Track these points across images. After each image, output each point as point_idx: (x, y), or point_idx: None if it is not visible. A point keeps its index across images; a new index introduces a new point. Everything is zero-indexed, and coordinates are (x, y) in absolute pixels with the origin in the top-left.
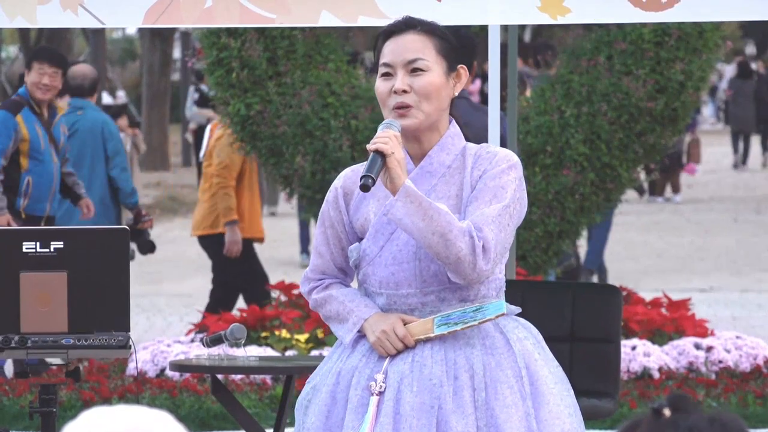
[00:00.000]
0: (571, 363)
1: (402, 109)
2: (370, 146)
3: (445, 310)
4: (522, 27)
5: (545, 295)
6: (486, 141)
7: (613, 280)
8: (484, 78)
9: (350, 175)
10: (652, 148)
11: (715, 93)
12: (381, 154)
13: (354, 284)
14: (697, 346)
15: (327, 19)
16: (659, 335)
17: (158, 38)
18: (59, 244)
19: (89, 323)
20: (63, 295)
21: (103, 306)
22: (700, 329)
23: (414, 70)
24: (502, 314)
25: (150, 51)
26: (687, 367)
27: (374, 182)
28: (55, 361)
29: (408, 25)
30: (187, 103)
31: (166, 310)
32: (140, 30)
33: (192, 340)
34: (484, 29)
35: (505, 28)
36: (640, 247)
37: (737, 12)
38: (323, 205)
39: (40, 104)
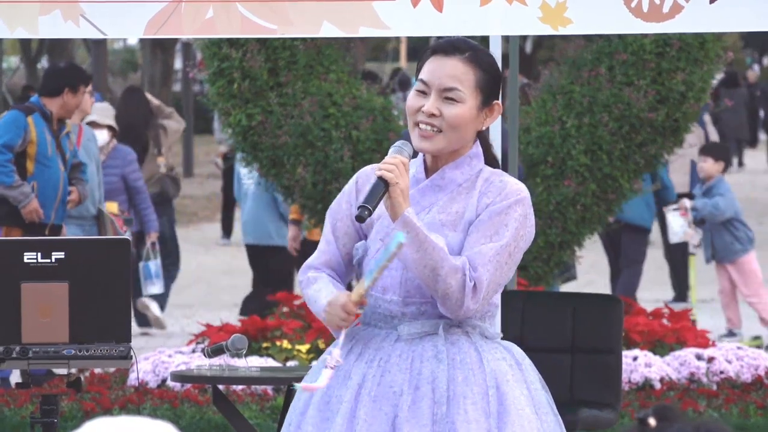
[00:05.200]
0: (573, 374)
1: (427, 130)
2: (377, 171)
3: (422, 323)
4: (523, 38)
5: (546, 305)
6: None
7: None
8: None
9: (369, 172)
10: (653, 159)
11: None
12: (385, 182)
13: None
14: (699, 357)
15: (328, 30)
16: (660, 346)
17: (159, 49)
18: (60, 255)
19: (90, 334)
20: (64, 306)
21: (104, 316)
22: (702, 340)
23: (448, 99)
24: (400, 243)
25: (151, 62)
26: (688, 378)
27: (370, 213)
28: (60, 371)
29: (456, 48)
30: (215, 125)
31: (168, 320)
32: (141, 41)
33: (193, 351)
34: (485, 40)
35: (506, 39)
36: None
37: (738, 23)
38: (338, 196)
39: (52, 114)
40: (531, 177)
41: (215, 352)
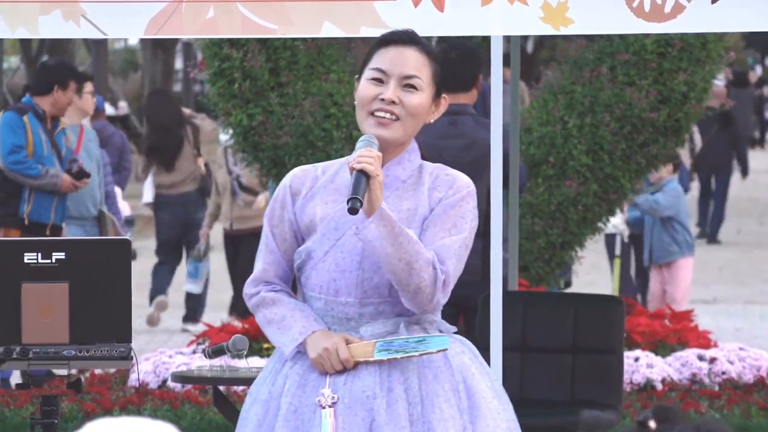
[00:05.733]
0: (574, 374)
1: (385, 118)
2: (355, 165)
3: (382, 323)
4: (524, 38)
5: (547, 306)
6: (490, 156)
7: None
8: None
9: (300, 175)
10: (654, 159)
11: None
12: (365, 174)
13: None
14: (701, 358)
15: (329, 30)
16: (662, 346)
17: (160, 49)
18: (61, 255)
19: (91, 334)
20: (64, 306)
21: (104, 317)
22: (703, 341)
23: (408, 86)
24: (444, 349)
25: (152, 62)
26: (690, 379)
27: (362, 204)
28: (61, 371)
29: (412, 39)
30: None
31: (168, 320)
32: (142, 41)
33: (194, 352)
34: (486, 40)
35: (507, 39)
36: None
37: (740, 23)
38: (271, 203)
39: (45, 113)
40: (532, 177)
41: (216, 352)
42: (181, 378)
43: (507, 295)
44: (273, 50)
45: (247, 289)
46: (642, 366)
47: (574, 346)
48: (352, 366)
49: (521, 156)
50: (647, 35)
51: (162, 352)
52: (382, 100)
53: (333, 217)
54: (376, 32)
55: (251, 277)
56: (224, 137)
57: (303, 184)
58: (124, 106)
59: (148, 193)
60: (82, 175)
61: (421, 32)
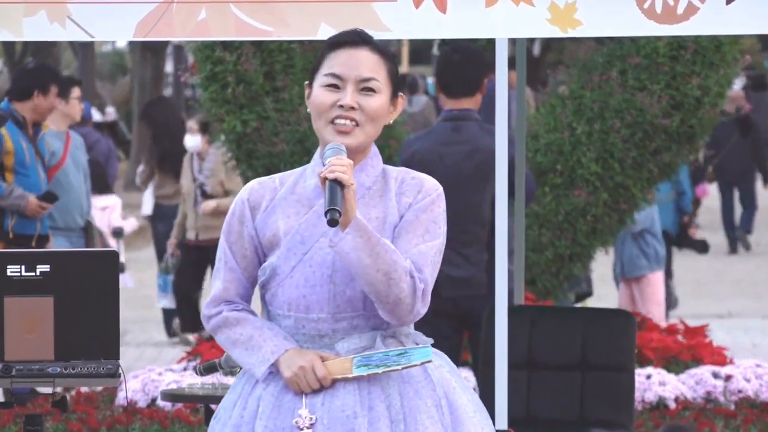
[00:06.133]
0: (583, 392)
1: (345, 125)
2: (328, 174)
3: (358, 337)
4: (531, 40)
5: (555, 321)
6: (495, 164)
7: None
8: None
9: (257, 188)
10: (667, 167)
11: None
12: (340, 184)
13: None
14: (716, 375)
15: (326, 32)
16: (675, 363)
17: (150, 52)
18: (45, 268)
19: (77, 350)
20: (49, 321)
21: (91, 332)
22: (719, 357)
23: (365, 90)
24: (429, 361)
25: (141, 65)
26: (705, 397)
27: (341, 215)
28: (45, 389)
29: (363, 39)
30: None
31: (158, 336)
32: (131, 43)
33: (185, 369)
34: (491, 42)
35: (513, 42)
36: None
37: (756, 25)
38: (228, 219)
39: (25, 120)
40: (539, 186)
41: (208, 370)
42: (171, 396)
43: (513, 309)
44: (268, 53)
45: (206, 310)
46: (654, 384)
47: (583, 363)
48: (330, 384)
49: (527, 164)
50: (659, 38)
51: (151, 369)
52: (341, 106)
53: (297, 230)
54: (376, 35)
55: (210, 297)
56: (190, 142)
57: (262, 197)
58: (111, 112)
59: (147, 205)
60: (51, 198)
61: (423, 34)
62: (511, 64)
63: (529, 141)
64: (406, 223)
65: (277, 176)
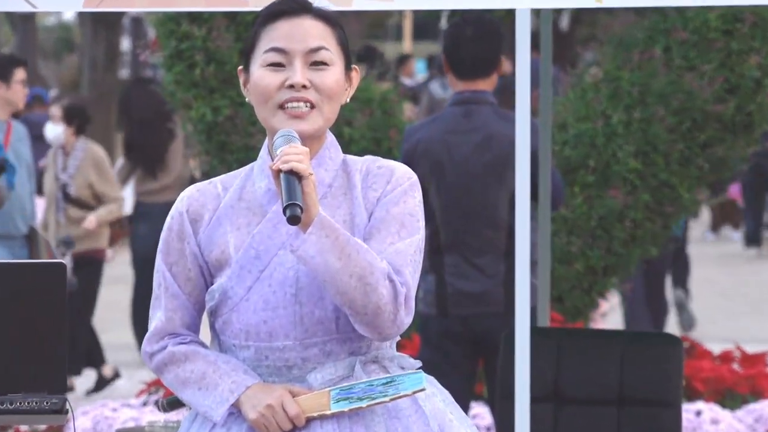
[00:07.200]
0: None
1: (299, 109)
2: (281, 166)
3: (333, 366)
4: (557, 12)
5: (587, 346)
6: (513, 155)
7: (671, 327)
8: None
9: (196, 196)
10: (720, 163)
11: None
12: (296, 175)
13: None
14: None
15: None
16: (730, 397)
17: (102, 25)
18: None
19: (17, 382)
20: None
21: (34, 361)
22: None
23: (316, 63)
24: (422, 389)
25: (92, 41)
26: None
27: (303, 211)
28: None
29: (303, 6)
30: None
31: (112, 365)
32: (80, 15)
33: (144, 404)
34: (510, 14)
35: (536, 14)
36: (705, 287)
37: None
38: (164, 236)
39: None
40: (567, 185)
41: (172, 405)
42: None
43: (536, 331)
44: (243, 27)
45: (148, 346)
46: (705, 422)
47: (620, 397)
48: (304, 424)
49: (554, 159)
50: (711, 8)
51: (104, 405)
52: (291, 86)
53: (251, 245)
54: (373, 5)
55: (150, 331)
56: (51, 133)
57: (203, 206)
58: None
59: (127, 203)
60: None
61: (429, 5)
62: (535, 39)
63: (555, 132)
64: (378, 220)
65: (218, 180)
